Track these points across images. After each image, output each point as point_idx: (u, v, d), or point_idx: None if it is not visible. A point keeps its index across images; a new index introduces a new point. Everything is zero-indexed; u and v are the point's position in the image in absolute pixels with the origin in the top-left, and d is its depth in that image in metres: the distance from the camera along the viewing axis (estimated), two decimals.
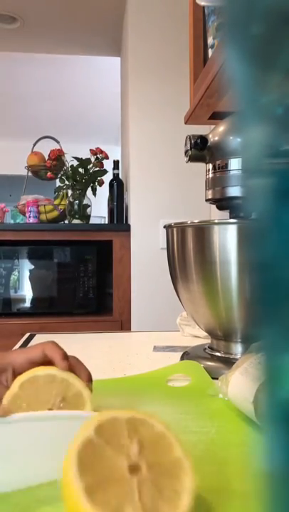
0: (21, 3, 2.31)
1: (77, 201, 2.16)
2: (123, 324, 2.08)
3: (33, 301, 2.14)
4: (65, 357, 0.51)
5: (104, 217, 2.43)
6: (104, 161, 2.18)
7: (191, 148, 0.78)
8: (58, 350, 0.52)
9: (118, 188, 2.21)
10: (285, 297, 0.14)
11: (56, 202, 2.29)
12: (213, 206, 0.86)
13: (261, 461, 0.15)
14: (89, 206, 2.21)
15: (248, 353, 0.59)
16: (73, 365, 0.52)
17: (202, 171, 0.85)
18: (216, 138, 0.78)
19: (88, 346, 1.00)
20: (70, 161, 2.20)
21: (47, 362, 0.52)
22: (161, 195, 2.12)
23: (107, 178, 2.20)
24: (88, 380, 0.52)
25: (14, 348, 0.96)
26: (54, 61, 3.59)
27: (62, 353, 0.52)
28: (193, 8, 0.93)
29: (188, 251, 0.76)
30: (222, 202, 0.81)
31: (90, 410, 0.46)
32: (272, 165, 0.14)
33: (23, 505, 0.36)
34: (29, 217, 2.18)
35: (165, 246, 0.85)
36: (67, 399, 0.47)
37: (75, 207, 2.16)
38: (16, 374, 0.50)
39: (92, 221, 2.24)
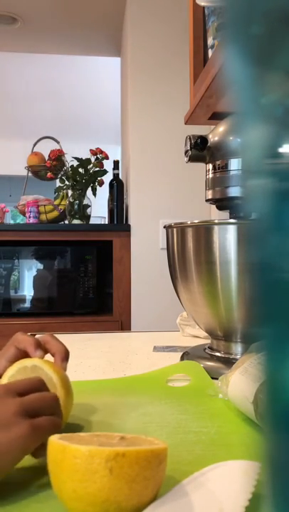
0: (21, 3, 2.31)
1: (77, 201, 2.16)
2: (123, 324, 2.08)
3: (33, 301, 2.14)
4: (37, 344, 0.49)
5: (105, 218, 2.43)
6: (105, 161, 2.18)
7: (191, 149, 0.78)
8: (28, 340, 0.49)
9: (118, 188, 2.21)
10: (285, 297, 0.14)
11: (56, 202, 2.29)
12: (213, 206, 0.86)
13: (261, 461, 0.15)
14: (89, 206, 2.21)
15: (248, 353, 0.59)
16: (47, 343, 0.50)
17: (202, 171, 0.85)
18: (216, 138, 0.78)
19: (88, 346, 1.00)
20: (70, 161, 2.20)
21: (24, 355, 0.50)
22: (161, 195, 2.12)
23: (107, 178, 2.20)
24: (63, 358, 0.50)
25: None
26: (54, 61, 3.59)
27: (33, 341, 0.49)
28: (193, 8, 0.93)
29: (188, 251, 0.76)
30: (222, 202, 0.81)
31: (60, 395, 0.45)
32: (272, 165, 0.14)
33: None
34: (29, 217, 2.18)
35: (165, 246, 0.85)
36: None
37: (75, 207, 2.16)
38: None
39: (92, 221, 2.24)
